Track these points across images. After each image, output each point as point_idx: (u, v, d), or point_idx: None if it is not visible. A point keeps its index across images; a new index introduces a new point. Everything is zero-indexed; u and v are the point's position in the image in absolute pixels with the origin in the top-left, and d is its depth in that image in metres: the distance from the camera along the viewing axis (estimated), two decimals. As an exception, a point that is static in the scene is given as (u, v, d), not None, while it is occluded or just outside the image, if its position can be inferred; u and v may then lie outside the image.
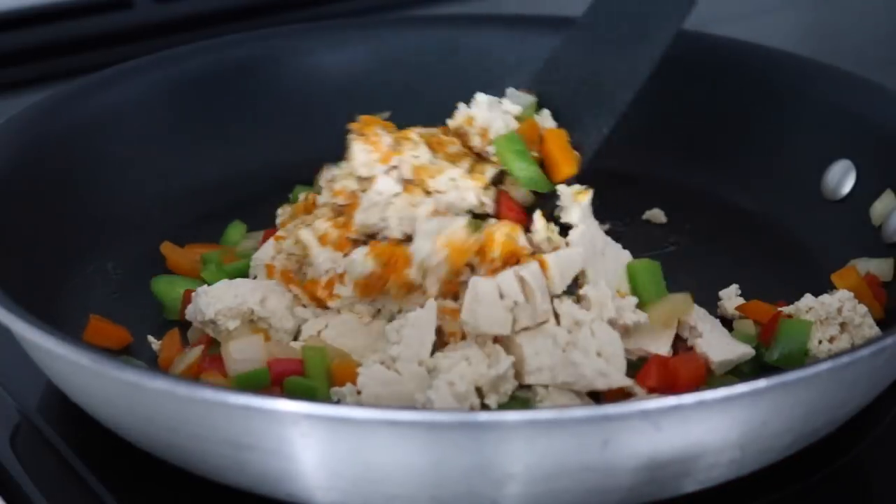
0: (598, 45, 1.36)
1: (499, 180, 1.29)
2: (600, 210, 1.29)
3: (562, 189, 1.27)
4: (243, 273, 1.32)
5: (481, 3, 1.92)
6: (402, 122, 1.57)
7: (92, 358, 1.03)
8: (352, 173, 1.27)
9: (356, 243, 1.25)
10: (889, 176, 1.38)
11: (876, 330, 1.26)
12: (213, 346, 1.23)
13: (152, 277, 1.34)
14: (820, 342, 1.25)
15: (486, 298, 1.16)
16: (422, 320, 1.17)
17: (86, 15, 1.93)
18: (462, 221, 1.22)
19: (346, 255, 1.24)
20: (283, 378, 1.17)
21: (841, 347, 1.24)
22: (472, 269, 1.21)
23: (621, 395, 1.15)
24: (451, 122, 1.32)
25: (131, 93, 1.48)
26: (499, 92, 1.36)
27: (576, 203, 1.25)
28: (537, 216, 1.24)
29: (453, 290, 1.21)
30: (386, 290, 1.22)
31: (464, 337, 1.18)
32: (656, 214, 1.50)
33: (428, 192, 1.25)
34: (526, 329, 1.17)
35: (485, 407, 1.13)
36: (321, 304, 1.25)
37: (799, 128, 1.47)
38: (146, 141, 1.47)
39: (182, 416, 1.02)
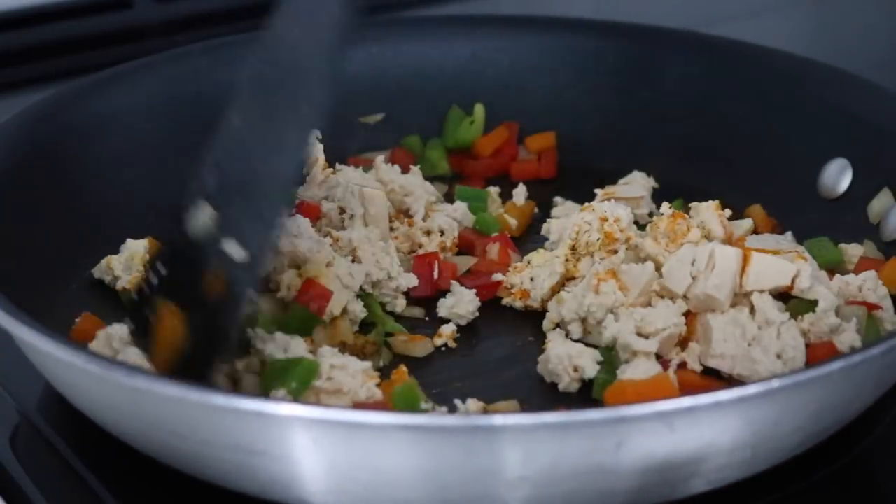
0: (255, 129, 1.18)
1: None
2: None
3: None
4: None
5: (480, 3, 1.92)
6: (396, 123, 1.57)
7: (101, 364, 1.02)
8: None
9: None
10: (886, 174, 1.38)
11: (891, 312, 1.27)
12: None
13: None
14: None
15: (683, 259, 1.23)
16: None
17: (86, 15, 1.93)
18: None
19: None
20: None
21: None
22: None
23: None
24: None
25: (131, 94, 1.47)
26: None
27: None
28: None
29: None
30: None
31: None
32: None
33: None
34: (713, 311, 1.21)
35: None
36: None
37: (795, 126, 1.47)
38: (146, 142, 1.45)
39: (192, 423, 1.02)
